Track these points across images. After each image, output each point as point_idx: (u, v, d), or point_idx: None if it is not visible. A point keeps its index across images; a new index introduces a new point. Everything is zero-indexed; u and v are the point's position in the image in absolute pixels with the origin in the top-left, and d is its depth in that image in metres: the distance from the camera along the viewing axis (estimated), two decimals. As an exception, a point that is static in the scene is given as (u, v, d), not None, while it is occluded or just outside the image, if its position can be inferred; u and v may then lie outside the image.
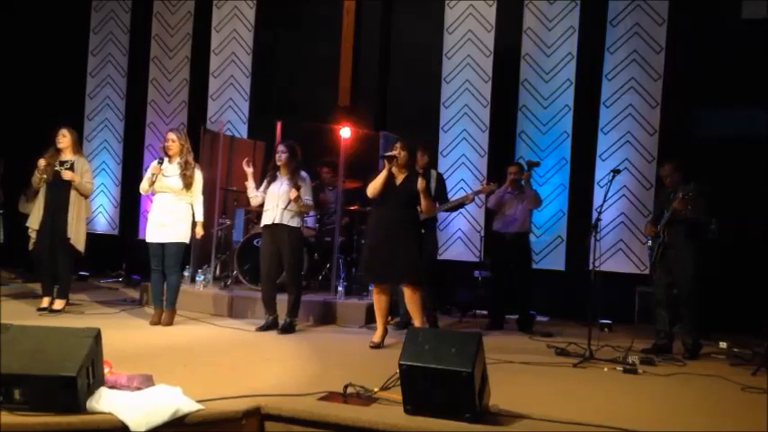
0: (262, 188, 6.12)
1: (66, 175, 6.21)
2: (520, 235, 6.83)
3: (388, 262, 5.44)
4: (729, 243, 6.67)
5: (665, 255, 5.80)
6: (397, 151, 5.49)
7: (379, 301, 5.62)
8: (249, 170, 6.14)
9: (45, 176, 6.28)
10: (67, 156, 6.35)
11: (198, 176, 6.08)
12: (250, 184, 6.16)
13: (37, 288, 6.94)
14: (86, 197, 6.45)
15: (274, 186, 6.04)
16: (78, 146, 6.51)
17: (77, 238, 6.29)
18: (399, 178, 5.56)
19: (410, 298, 5.53)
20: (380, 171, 5.55)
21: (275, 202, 6.00)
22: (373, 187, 5.52)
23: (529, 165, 6.97)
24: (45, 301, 6.33)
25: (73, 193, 6.27)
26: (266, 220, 6.06)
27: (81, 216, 6.35)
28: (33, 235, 6.32)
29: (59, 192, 6.25)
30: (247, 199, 6.31)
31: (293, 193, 5.85)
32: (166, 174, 5.98)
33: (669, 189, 5.90)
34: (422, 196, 5.46)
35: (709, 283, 6.01)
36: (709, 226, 5.96)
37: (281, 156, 6.03)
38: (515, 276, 6.81)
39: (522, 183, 6.84)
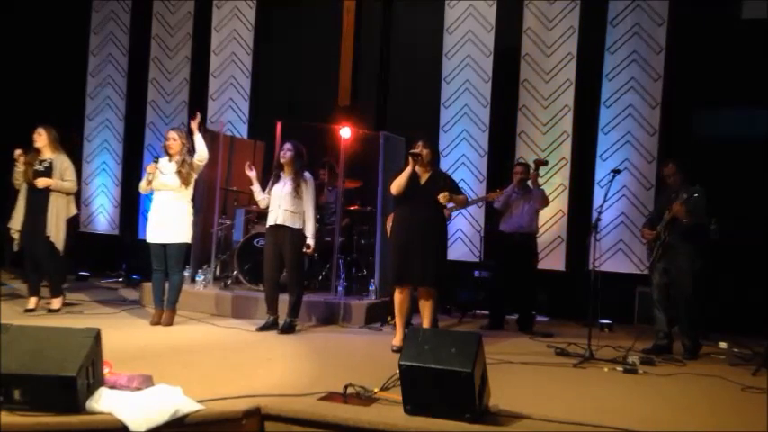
0: (267, 189, 6.12)
1: (40, 183, 6.16)
2: (527, 236, 6.80)
3: (419, 264, 5.37)
4: (729, 243, 6.66)
5: (663, 255, 5.80)
6: (420, 149, 5.42)
7: (403, 302, 5.52)
8: (252, 174, 6.14)
9: (19, 174, 6.21)
10: (46, 155, 6.27)
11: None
12: (256, 187, 6.15)
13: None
14: (70, 195, 6.39)
15: (278, 187, 6.04)
16: (57, 144, 6.35)
17: (57, 237, 6.22)
18: (424, 177, 5.48)
19: (428, 298, 5.50)
20: (403, 169, 5.44)
21: (278, 202, 6.00)
22: (397, 185, 5.41)
23: (537, 164, 6.94)
24: (32, 302, 6.28)
25: (52, 193, 6.22)
26: (270, 220, 6.06)
27: (61, 215, 6.27)
28: (16, 236, 6.28)
29: (40, 192, 6.19)
30: (247, 199, 6.29)
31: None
32: (164, 171, 5.98)
33: (671, 189, 5.90)
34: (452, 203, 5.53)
35: (708, 284, 6.01)
36: (709, 227, 5.96)
37: (287, 153, 6.02)
38: (519, 277, 6.77)
39: (530, 183, 6.83)
